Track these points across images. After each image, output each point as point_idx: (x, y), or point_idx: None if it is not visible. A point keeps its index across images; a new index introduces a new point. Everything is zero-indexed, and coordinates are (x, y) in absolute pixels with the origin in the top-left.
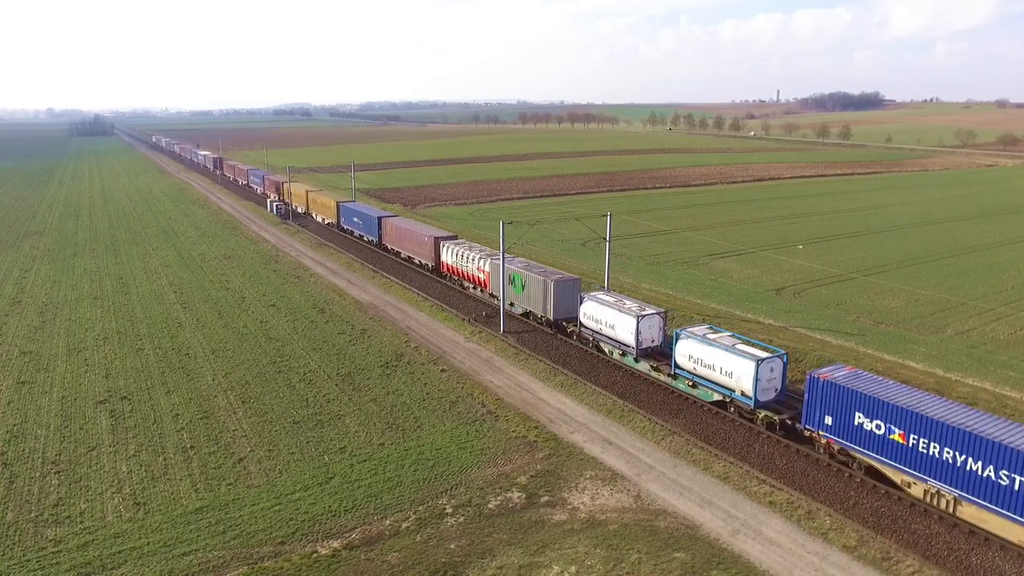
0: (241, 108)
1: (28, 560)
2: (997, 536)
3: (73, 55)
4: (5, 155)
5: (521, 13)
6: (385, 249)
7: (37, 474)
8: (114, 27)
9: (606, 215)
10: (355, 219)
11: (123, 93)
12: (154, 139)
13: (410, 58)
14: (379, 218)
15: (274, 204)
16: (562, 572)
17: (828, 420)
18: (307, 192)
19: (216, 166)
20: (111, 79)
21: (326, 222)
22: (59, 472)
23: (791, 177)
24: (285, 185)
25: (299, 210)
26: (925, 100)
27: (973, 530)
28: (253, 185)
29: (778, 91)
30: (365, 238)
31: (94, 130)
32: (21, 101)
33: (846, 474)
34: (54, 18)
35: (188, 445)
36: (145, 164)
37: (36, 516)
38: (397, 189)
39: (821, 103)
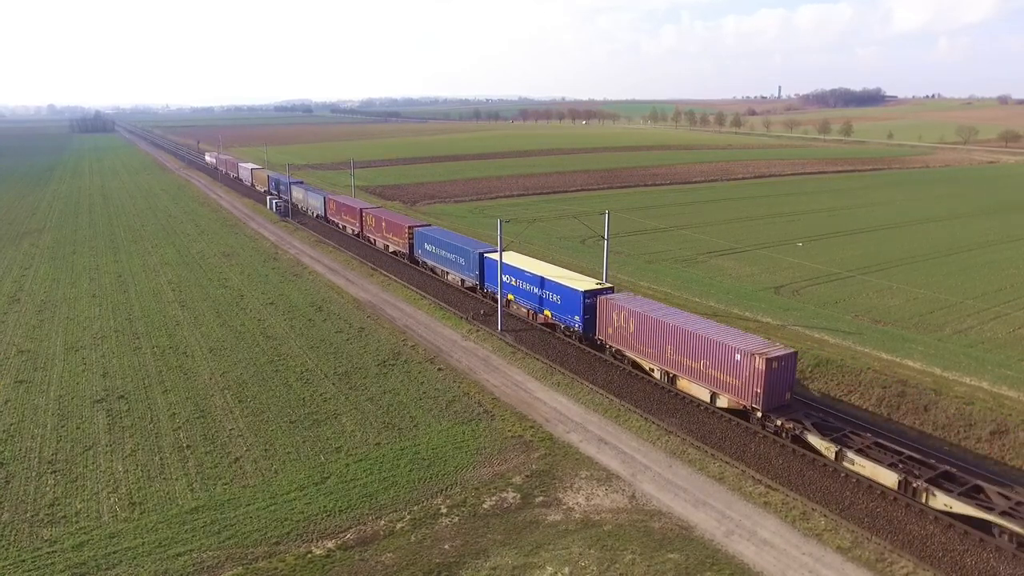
0: (242, 104)
1: (23, 560)
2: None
3: (75, 52)
4: (6, 152)
5: (522, 9)
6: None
7: (33, 474)
8: (116, 24)
9: (604, 213)
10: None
11: (124, 89)
12: (208, 159)
13: (411, 55)
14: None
15: (273, 201)
16: (556, 573)
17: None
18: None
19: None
20: (112, 75)
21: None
22: (55, 472)
23: (792, 174)
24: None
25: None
26: (927, 96)
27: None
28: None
29: (779, 87)
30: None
31: (95, 127)
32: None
33: (831, 468)
34: (56, 15)
35: (184, 444)
36: (145, 161)
37: (32, 516)
38: (397, 186)
39: (823, 99)
